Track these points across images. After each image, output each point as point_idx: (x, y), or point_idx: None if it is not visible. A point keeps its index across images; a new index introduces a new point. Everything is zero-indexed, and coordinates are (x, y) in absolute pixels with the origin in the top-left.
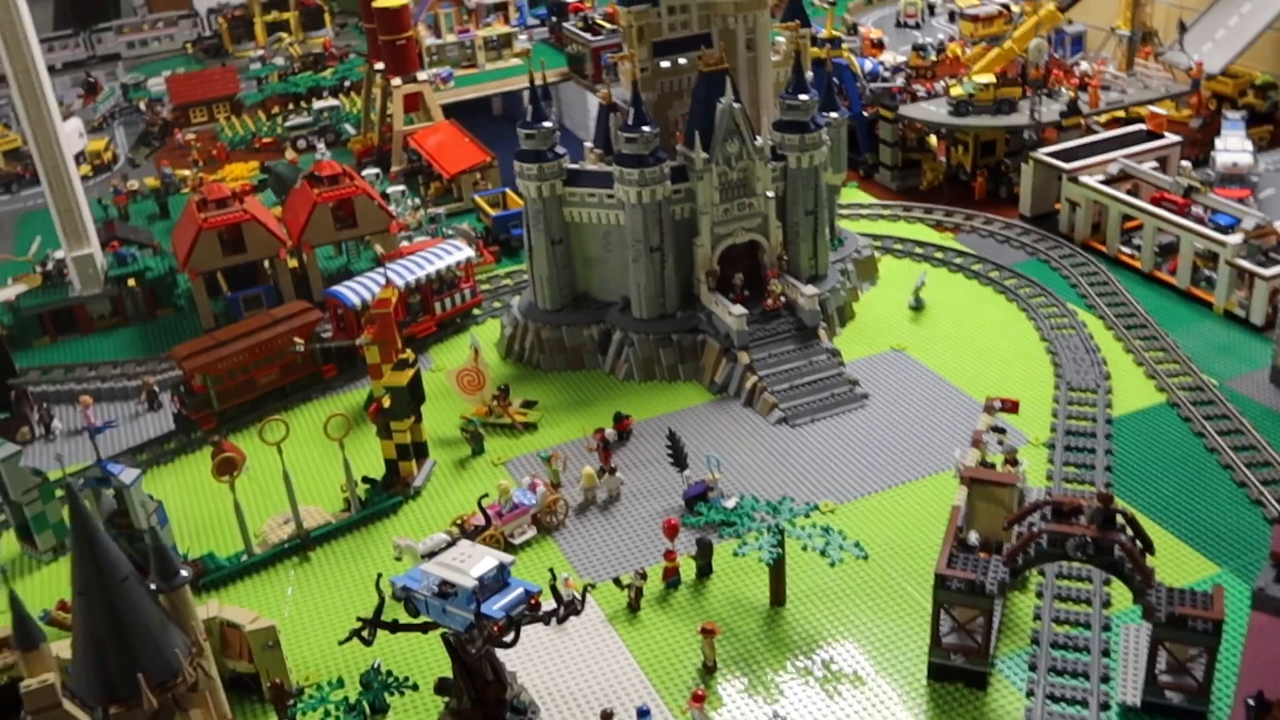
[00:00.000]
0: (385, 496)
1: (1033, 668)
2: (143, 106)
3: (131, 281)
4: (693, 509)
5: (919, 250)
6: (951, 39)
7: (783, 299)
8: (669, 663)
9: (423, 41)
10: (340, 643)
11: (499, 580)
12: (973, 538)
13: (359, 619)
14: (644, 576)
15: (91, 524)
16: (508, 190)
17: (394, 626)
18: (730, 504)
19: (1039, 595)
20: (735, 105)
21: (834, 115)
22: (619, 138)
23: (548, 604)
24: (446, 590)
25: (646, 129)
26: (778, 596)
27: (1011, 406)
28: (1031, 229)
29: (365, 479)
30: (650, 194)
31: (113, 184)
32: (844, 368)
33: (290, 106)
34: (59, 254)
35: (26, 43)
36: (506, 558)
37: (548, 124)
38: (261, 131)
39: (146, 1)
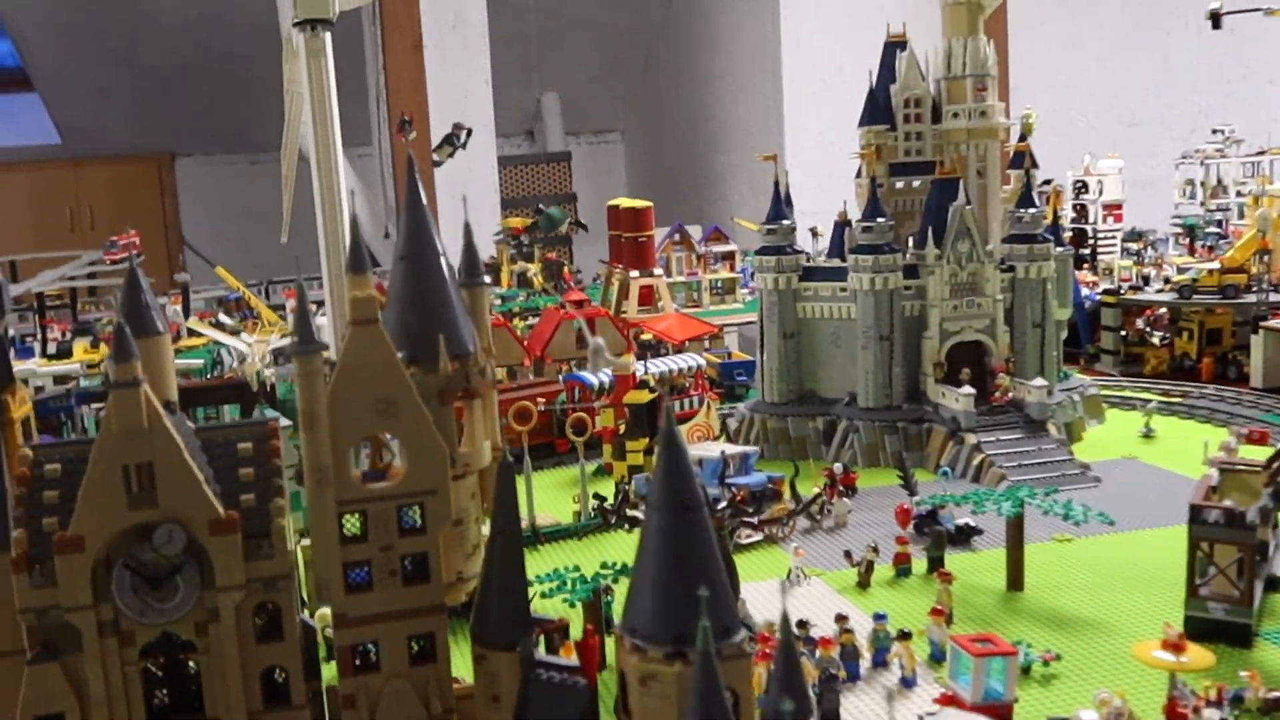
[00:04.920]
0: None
1: None
2: None
3: None
4: (922, 531)
5: (1147, 401)
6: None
7: (1010, 395)
8: (903, 619)
9: None
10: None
11: (744, 468)
12: (1227, 502)
13: (601, 504)
14: (876, 550)
15: (419, 196)
16: (732, 351)
17: (635, 522)
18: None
19: None
20: (967, 207)
21: (1060, 250)
22: (855, 230)
23: None
24: None
25: (881, 220)
26: (1015, 580)
27: (1260, 437)
28: (1267, 395)
29: (597, 495)
30: (883, 281)
31: None
32: (1074, 457)
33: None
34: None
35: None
36: (751, 449)
37: (787, 221)
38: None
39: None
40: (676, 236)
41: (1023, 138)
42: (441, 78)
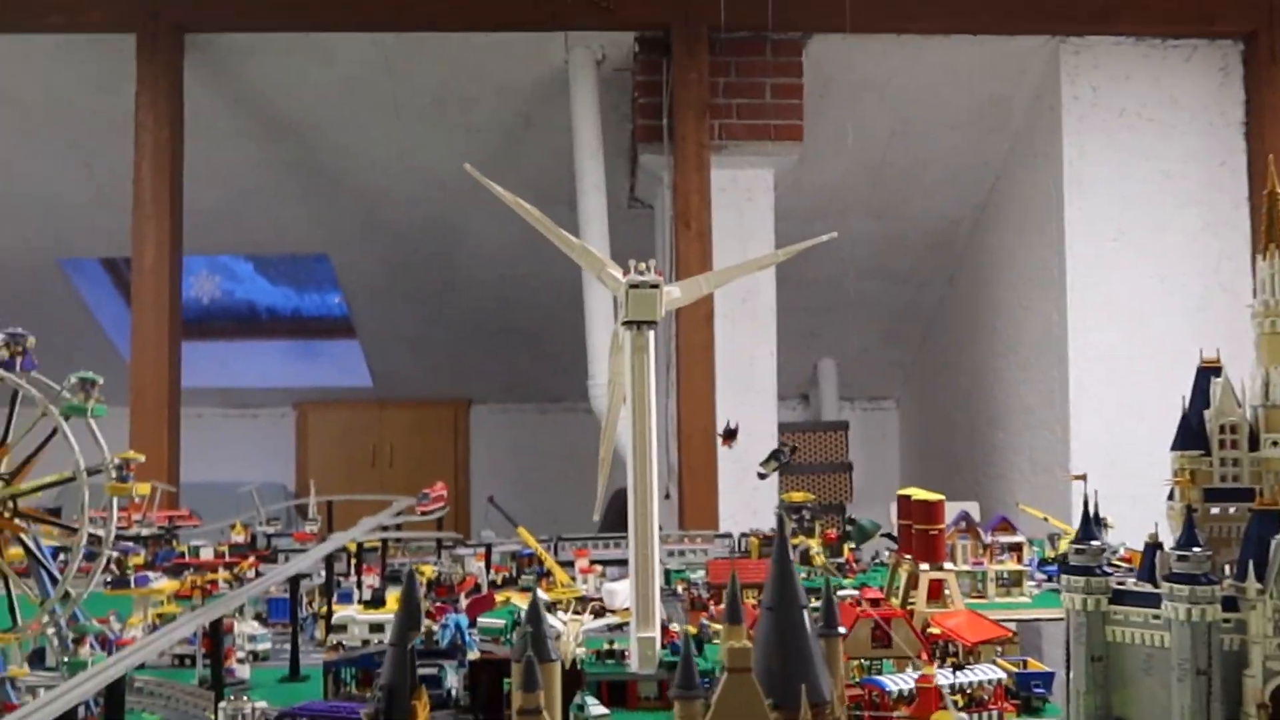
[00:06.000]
0: None
1: None
2: (680, 589)
3: None
4: None
5: None
6: None
7: None
8: None
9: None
10: None
11: None
12: None
13: None
14: None
15: (787, 555)
16: (1028, 659)
17: None
18: None
19: None
20: None
21: None
22: (1169, 558)
23: None
24: None
25: (1198, 549)
26: None
27: None
28: None
29: None
30: (1200, 613)
31: None
32: None
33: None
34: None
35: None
36: None
37: (1096, 542)
38: None
39: (680, 521)
40: (962, 524)
41: None
42: (729, 346)
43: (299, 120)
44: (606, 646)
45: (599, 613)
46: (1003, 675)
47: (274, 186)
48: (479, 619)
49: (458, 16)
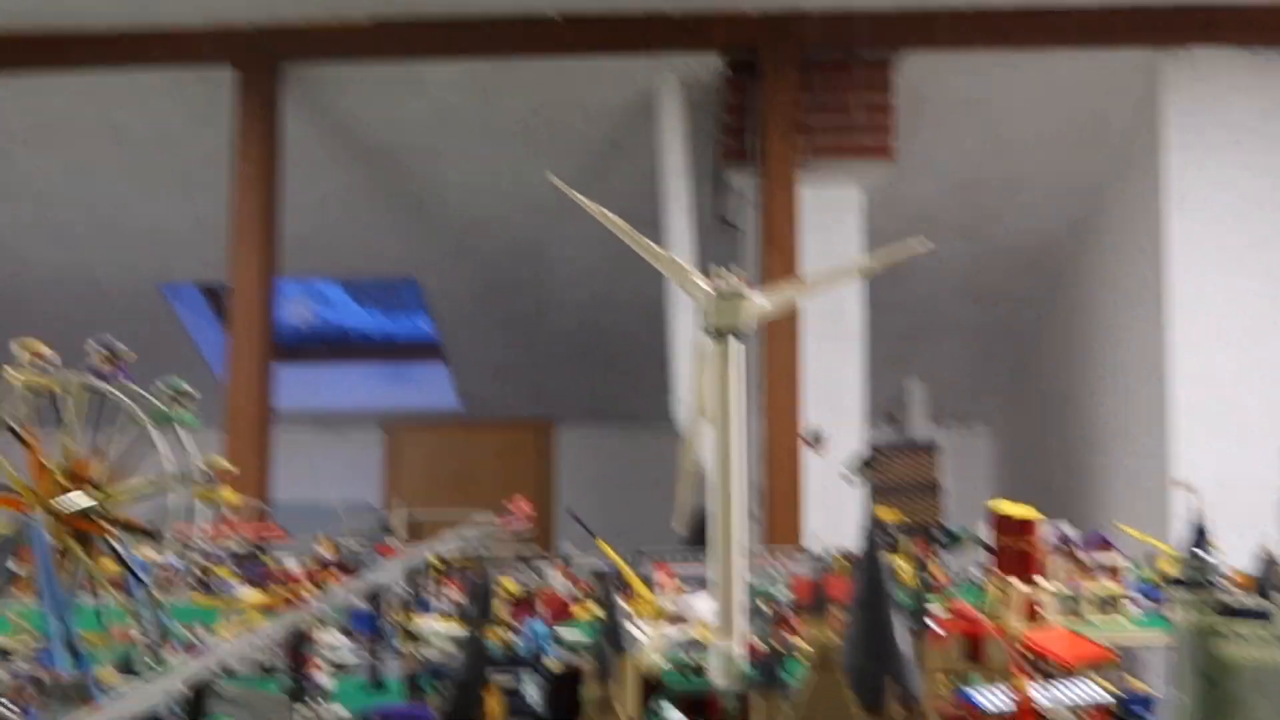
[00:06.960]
0: None
1: None
2: (762, 605)
3: None
4: None
5: None
6: None
7: None
8: None
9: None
10: None
11: None
12: None
13: None
14: None
15: (877, 548)
16: (1129, 678)
17: None
18: None
19: None
20: None
21: None
22: None
23: None
24: None
25: None
26: None
27: None
28: None
29: None
30: None
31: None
32: None
33: None
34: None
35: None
36: None
37: (1205, 555)
38: None
39: (765, 540)
40: (1058, 543)
41: None
42: (816, 366)
43: (391, 147)
44: (688, 660)
45: (678, 622)
46: (1107, 697)
47: (366, 212)
48: (559, 628)
49: (548, 42)
